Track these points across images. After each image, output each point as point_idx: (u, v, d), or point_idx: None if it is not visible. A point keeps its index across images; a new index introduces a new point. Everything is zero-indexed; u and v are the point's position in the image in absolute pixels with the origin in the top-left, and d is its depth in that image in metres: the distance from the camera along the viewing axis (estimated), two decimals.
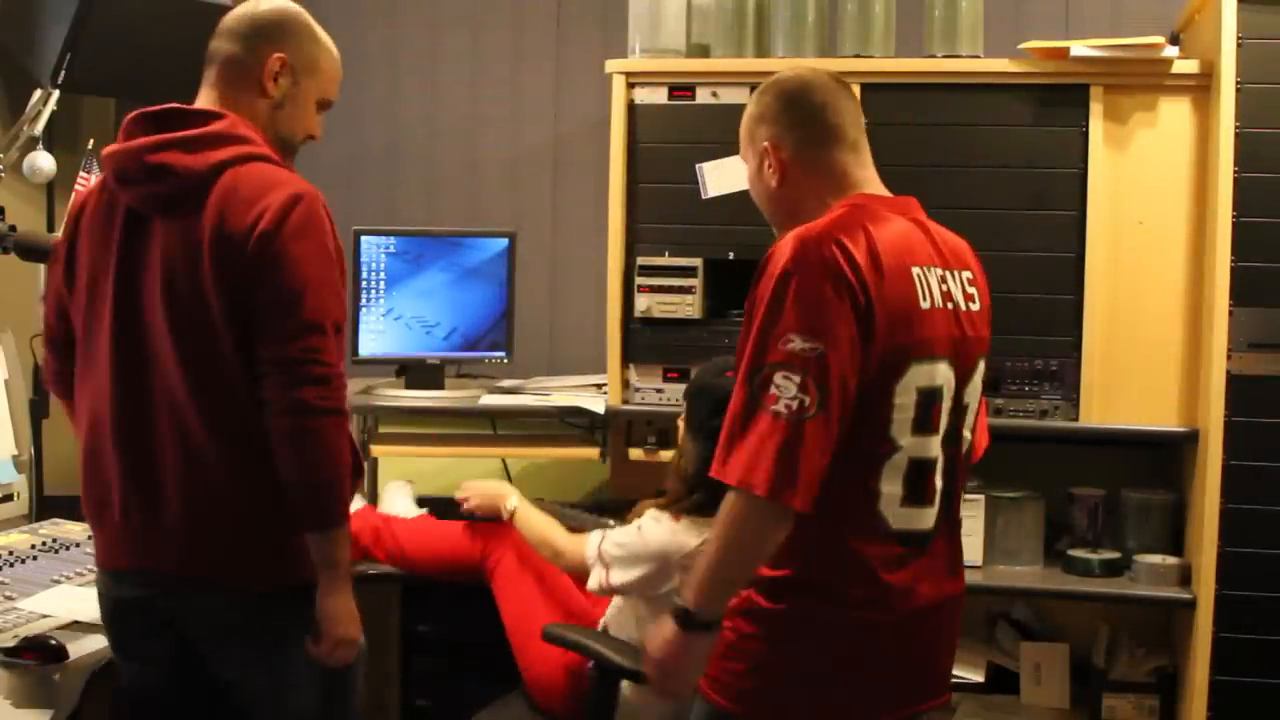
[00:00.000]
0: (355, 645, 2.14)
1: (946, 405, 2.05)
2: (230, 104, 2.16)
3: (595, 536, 2.75)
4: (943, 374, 2.03)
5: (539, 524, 2.95)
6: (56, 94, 3.33)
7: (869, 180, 2.12)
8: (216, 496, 2.10)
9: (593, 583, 2.72)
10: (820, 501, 1.90)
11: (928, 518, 2.05)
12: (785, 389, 1.87)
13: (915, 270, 2.01)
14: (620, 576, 2.67)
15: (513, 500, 3.00)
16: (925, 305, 2.00)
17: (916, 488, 2.02)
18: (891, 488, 1.99)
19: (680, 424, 2.76)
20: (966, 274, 2.14)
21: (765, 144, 2.11)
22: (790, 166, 2.10)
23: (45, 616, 2.44)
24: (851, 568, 1.99)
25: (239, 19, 2.17)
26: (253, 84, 2.15)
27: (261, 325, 2.03)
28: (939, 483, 2.06)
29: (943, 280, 2.06)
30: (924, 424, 2.01)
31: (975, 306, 2.12)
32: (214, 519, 2.10)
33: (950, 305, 2.06)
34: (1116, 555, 3.21)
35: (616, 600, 2.80)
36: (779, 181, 2.11)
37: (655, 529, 2.64)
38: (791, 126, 2.09)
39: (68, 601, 2.52)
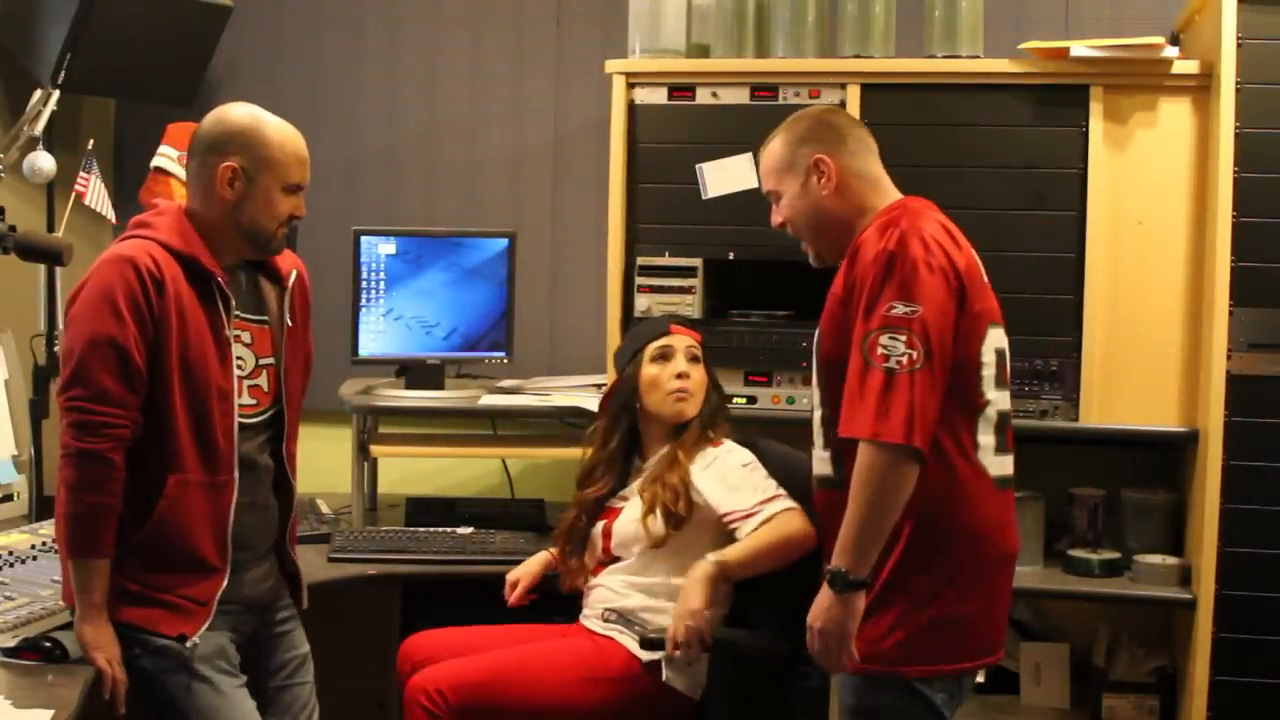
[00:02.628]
0: (101, 671, 2.28)
1: (1008, 366, 2.34)
2: (193, 208, 2.44)
3: (772, 505, 2.75)
4: (1003, 338, 2.33)
5: (755, 543, 2.72)
6: (56, 94, 3.33)
7: (890, 183, 2.41)
8: None
9: (794, 517, 2.71)
10: (932, 453, 2.17)
11: (1011, 464, 2.33)
12: (893, 348, 2.14)
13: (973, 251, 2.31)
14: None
15: (708, 561, 2.71)
16: (985, 280, 2.31)
17: (1003, 437, 2.30)
18: (987, 438, 2.26)
19: (699, 371, 2.96)
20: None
21: (816, 157, 2.35)
22: (842, 174, 2.35)
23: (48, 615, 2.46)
24: (966, 512, 2.25)
25: (196, 137, 2.44)
26: (211, 191, 2.41)
27: None
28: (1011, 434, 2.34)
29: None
30: (999, 381, 2.29)
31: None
32: None
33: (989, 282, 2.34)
34: (1116, 555, 3.21)
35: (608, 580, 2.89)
36: (834, 190, 2.35)
37: (744, 449, 2.89)
38: (835, 142, 2.37)
39: None
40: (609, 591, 2.88)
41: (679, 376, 2.92)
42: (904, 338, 2.14)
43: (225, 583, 2.39)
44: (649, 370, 2.94)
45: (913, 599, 2.24)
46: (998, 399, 2.28)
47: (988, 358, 2.26)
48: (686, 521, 2.80)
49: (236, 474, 2.39)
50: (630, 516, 2.87)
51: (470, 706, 2.68)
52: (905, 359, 2.13)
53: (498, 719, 2.71)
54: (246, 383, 2.46)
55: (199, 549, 2.36)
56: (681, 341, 2.96)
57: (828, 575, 2.19)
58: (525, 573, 3.02)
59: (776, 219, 2.44)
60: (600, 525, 2.94)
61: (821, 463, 2.37)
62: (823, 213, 2.37)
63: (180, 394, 2.33)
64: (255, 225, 2.41)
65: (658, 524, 2.80)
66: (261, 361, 2.49)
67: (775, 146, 2.42)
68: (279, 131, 2.42)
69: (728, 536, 2.78)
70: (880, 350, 2.15)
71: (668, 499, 2.80)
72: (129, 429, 2.30)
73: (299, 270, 2.58)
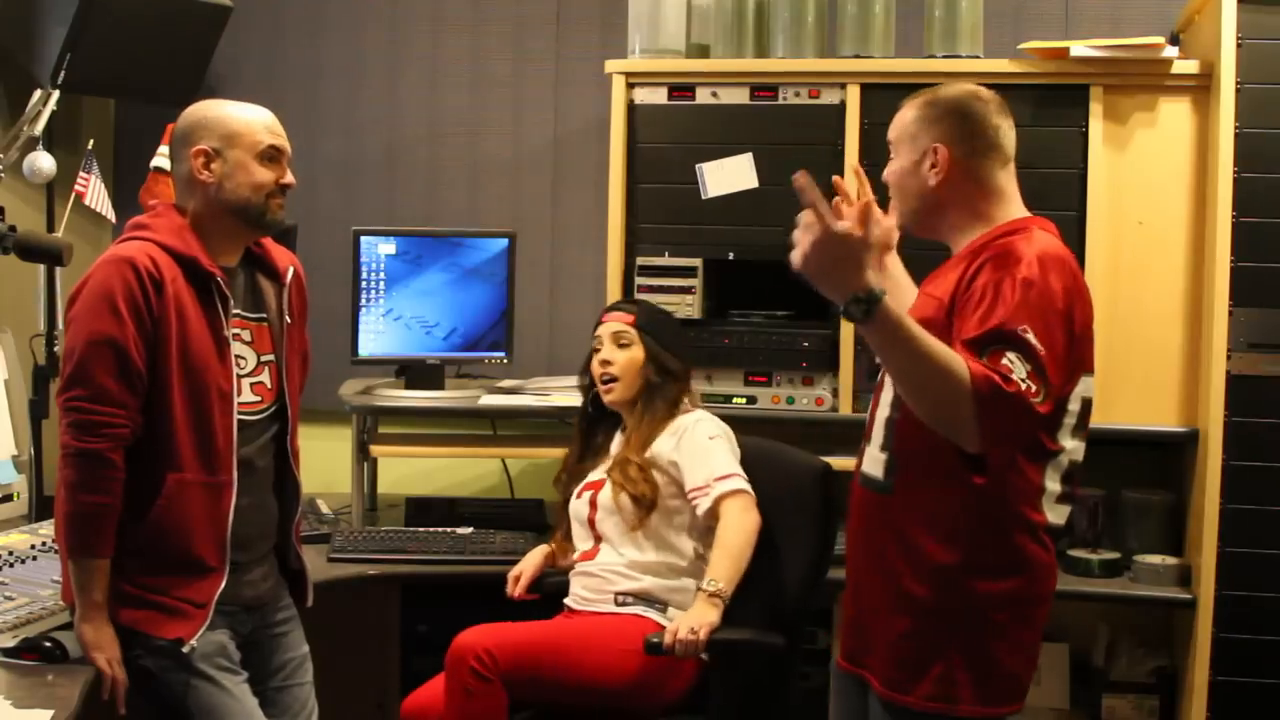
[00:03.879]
0: (101, 671, 2.30)
1: (1090, 414, 2.24)
2: (184, 205, 2.47)
3: (722, 485, 2.81)
4: (1092, 387, 2.23)
5: (731, 557, 2.76)
6: (56, 94, 3.33)
7: (1018, 198, 2.29)
8: None
9: (748, 506, 2.80)
10: (997, 485, 2.13)
11: (1067, 515, 2.25)
12: (1016, 368, 1.99)
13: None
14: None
15: (710, 596, 2.73)
16: (1093, 327, 2.23)
17: (1069, 486, 2.22)
18: (1053, 485, 2.19)
19: (625, 355, 2.97)
20: None
21: (934, 145, 2.24)
22: (953, 169, 2.24)
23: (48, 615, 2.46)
24: (1019, 556, 2.19)
25: (170, 143, 2.50)
26: (193, 181, 2.43)
27: None
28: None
29: None
30: (1078, 430, 2.21)
31: None
32: None
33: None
34: (1116, 555, 3.21)
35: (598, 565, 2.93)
36: (939, 182, 2.25)
37: (714, 419, 2.96)
38: (962, 136, 2.24)
39: None
40: (618, 576, 2.89)
41: (603, 364, 2.99)
42: (1029, 367, 2.00)
43: (224, 584, 2.39)
44: (593, 361, 3.03)
45: (968, 639, 2.18)
46: (1072, 448, 2.20)
47: (1073, 405, 2.18)
48: (654, 495, 2.87)
49: (235, 474, 2.40)
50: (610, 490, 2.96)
51: (518, 670, 2.69)
52: (1026, 386, 1.98)
53: (542, 684, 2.73)
54: (249, 380, 2.46)
55: (197, 549, 2.36)
56: (608, 329, 3.02)
57: (857, 298, 1.93)
58: (527, 566, 3.04)
59: (885, 174, 2.34)
60: (586, 496, 2.98)
61: (873, 463, 2.27)
62: (922, 197, 2.28)
63: (180, 394, 2.33)
64: (239, 199, 2.41)
65: (628, 507, 2.88)
66: (263, 358, 2.49)
67: (909, 113, 2.30)
68: (237, 106, 2.47)
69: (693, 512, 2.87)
70: (1004, 362, 1.99)
71: (630, 487, 2.89)
72: (129, 429, 2.30)
73: (295, 267, 2.59)
